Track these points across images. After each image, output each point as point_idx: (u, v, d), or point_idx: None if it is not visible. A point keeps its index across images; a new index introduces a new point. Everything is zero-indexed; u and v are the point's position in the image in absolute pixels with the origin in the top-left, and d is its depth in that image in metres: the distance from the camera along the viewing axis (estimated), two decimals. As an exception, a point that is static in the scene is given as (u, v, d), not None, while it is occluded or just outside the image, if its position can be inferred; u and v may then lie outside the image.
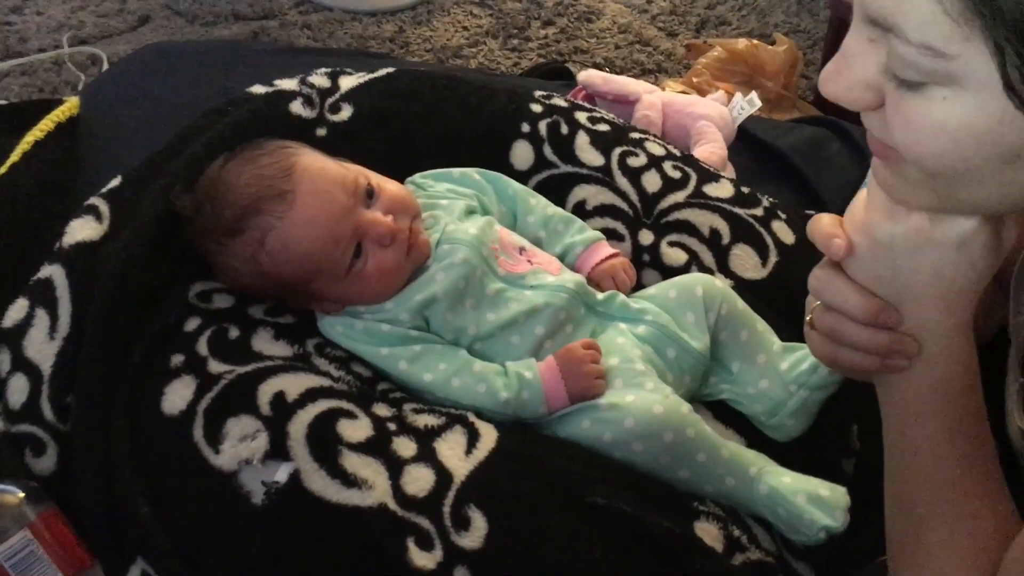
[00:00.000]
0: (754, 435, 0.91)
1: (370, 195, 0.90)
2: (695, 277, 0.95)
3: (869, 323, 0.67)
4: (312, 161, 0.90)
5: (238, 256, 0.88)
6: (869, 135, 0.60)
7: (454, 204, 0.96)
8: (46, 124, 1.22)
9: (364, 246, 0.88)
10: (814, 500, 0.81)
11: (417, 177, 1.00)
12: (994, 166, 0.54)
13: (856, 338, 0.68)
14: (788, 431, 0.91)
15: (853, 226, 0.67)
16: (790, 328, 0.95)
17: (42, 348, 0.85)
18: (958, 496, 0.66)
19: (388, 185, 0.92)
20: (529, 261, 0.93)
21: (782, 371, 0.90)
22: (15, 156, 1.14)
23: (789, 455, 0.88)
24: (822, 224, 0.68)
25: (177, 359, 0.83)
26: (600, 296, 0.93)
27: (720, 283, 0.95)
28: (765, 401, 0.91)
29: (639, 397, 0.83)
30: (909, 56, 0.52)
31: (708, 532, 0.80)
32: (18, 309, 0.88)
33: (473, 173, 1.01)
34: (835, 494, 0.82)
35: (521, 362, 0.87)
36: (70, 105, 1.27)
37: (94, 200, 0.95)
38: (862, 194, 0.67)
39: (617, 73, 1.92)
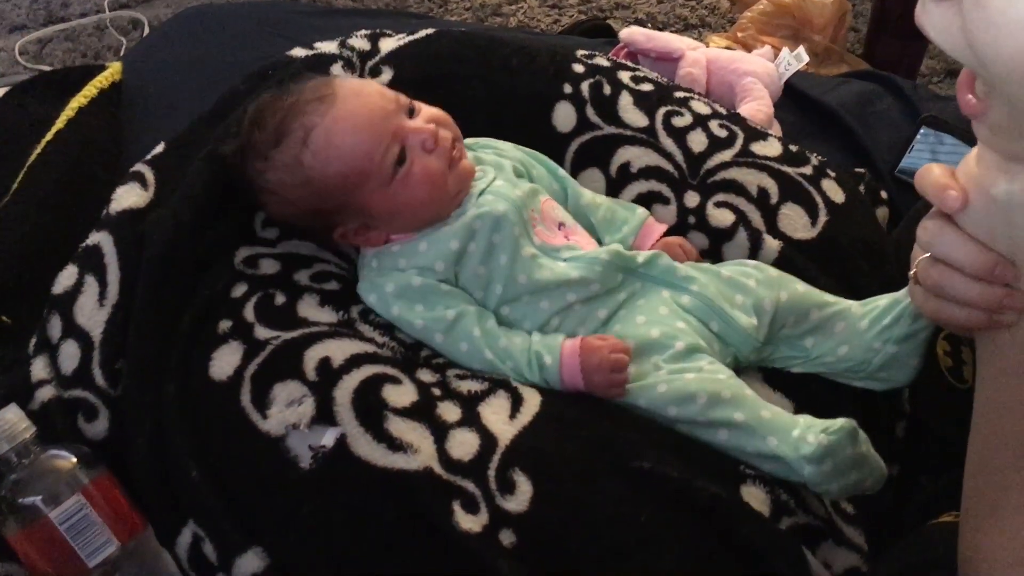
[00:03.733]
0: (802, 398, 0.90)
1: (411, 111, 0.91)
2: (749, 265, 0.92)
3: (983, 277, 0.63)
4: (351, 78, 0.94)
5: (284, 165, 0.88)
6: (958, 93, 0.57)
7: (504, 163, 0.95)
8: (90, 90, 1.23)
9: (408, 151, 0.88)
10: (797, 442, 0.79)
11: (467, 140, 0.99)
12: None
13: (965, 293, 0.65)
14: (885, 383, 0.89)
15: (967, 179, 0.63)
16: (841, 288, 0.93)
17: (92, 315, 0.86)
18: None
19: (428, 107, 0.93)
20: (566, 237, 0.92)
21: (861, 331, 0.88)
22: (60, 123, 1.16)
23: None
24: (934, 175, 0.64)
25: (225, 325, 0.84)
26: (641, 259, 0.91)
27: (775, 272, 0.92)
28: (847, 363, 0.89)
29: (672, 368, 0.83)
30: None
31: (755, 496, 0.80)
32: (68, 276, 0.89)
33: (522, 149, 1.00)
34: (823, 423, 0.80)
35: (546, 340, 0.86)
36: (113, 70, 1.28)
37: (139, 167, 0.96)
38: (975, 148, 0.65)
39: (660, 29, 1.89)
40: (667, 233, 0.98)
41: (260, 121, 0.90)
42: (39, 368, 0.86)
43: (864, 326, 0.88)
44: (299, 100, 0.88)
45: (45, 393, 0.84)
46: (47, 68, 1.89)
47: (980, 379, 0.68)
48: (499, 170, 0.94)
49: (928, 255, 0.67)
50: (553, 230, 0.92)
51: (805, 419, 0.83)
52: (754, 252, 0.96)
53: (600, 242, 0.96)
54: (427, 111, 0.92)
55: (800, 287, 0.91)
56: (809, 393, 0.90)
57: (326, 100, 0.88)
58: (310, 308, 0.86)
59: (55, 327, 0.87)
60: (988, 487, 0.66)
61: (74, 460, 0.77)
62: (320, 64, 1.03)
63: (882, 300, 0.89)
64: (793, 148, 1.06)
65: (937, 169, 0.65)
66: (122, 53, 1.90)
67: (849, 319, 0.89)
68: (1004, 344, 0.66)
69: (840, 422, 0.79)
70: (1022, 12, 0.46)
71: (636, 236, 0.96)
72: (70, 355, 0.85)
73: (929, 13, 0.52)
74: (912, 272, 0.70)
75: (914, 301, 0.71)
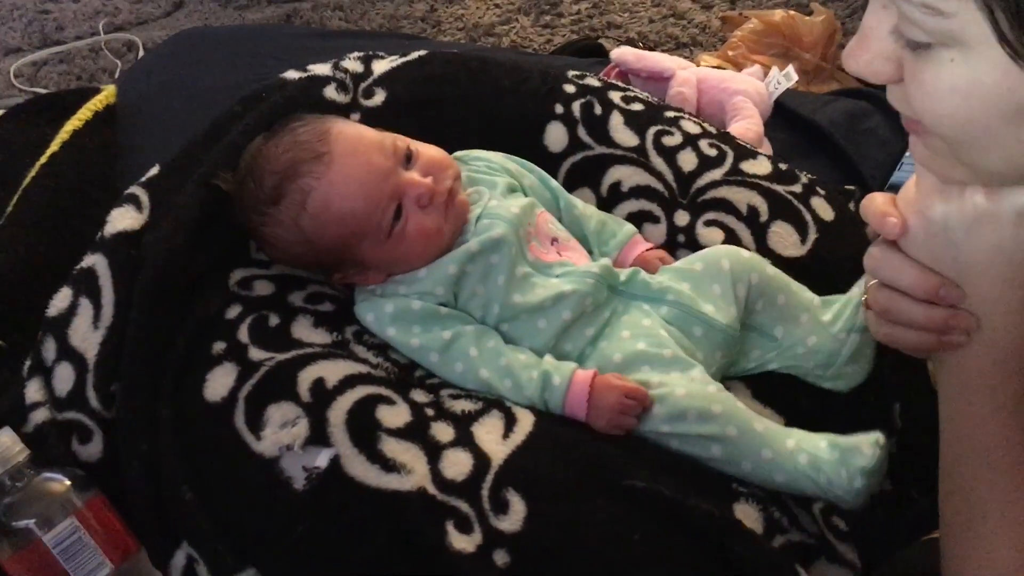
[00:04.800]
0: (792, 413, 0.90)
1: (408, 158, 0.90)
2: (720, 250, 0.93)
3: (929, 299, 0.65)
4: (347, 126, 0.91)
5: (282, 224, 0.88)
6: (901, 116, 0.60)
7: (497, 180, 0.96)
8: (84, 113, 1.23)
9: (404, 207, 0.88)
10: (845, 450, 0.80)
11: (458, 153, 1.00)
12: (1009, 125, 0.54)
13: (911, 316, 0.67)
14: (849, 380, 0.90)
15: (907, 205, 0.65)
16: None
17: (86, 337, 0.87)
18: (1016, 480, 0.64)
19: (426, 149, 0.92)
20: (559, 253, 0.93)
21: (826, 323, 0.90)
22: (55, 146, 1.16)
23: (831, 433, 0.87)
24: (875, 203, 0.67)
25: (219, 346, 0.84)
26: (623, 276, 0.92)
27: (747, 253, 0.93)
28: (817, 356, 0.90)
29: (663, 380, 0.83)
30: (913, 15, 0.52)
31: (748, 514, 0.80)
32: (62, 298, 0.89)
33: (511, 159, 1.00)
34: (864, 436, 0.81)
35: (557, 363, 0.86)
36: (107, 93, 1.28)
37: (134, 189, 0.96)
38: (914, 175, 0.66)
39: (651, 48, 1.90)
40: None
41: (256, 175, 0.89)
42: (33, 391, 0.86)
43: (828, 318, 0.90)
44: (295, 159, 0.88)
45: (39, 416, 0.84)
46: (42, 91, 1.90)
47: (942, 400, 0.69)
48: (492, 188, 0.94)
49: (876, 281, 0.69)
50: (547, 245, 0.93)
51: (797, 431, 0.84)
52: (744, 270, 0.97)
53: (591, 253, 0.97)
54: (425, 156, 0.91)
55: (770, 270, 0.92)
56: (799, 408, 0.90)
57: (323, 160, 0.87)
58: (304, 329, 0.86)
59: (49, 349, 0.87)
60: (963, 506, 0.67)
61: (68, 483, 0.77)
62: (313, 86, 1.03)
63: (838, 298, 0.91)
64: (783, 166, 1.06)
65: (879, 197, 0.68)
66: (117, 76, 1.91)
67: (812, 311, 0.91)
68: (961, 365, 0.67)
69: (877, 435, 0.80)
70: (947, 84, 0.53)
71: (620, 251, 0.97)
72: (64, 377, 0.86)
73: (889, 92, 0.60)
74: (863, 298, 0.72)
75: (869, 327, 0.72)
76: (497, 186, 0.95)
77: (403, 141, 0.91)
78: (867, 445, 0.80)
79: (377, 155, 0.88)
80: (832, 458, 0.80)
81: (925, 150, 0.61)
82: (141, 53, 1.96)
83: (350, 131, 0.91)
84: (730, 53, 1.69)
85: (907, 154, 1.24)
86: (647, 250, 0.97)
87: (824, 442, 0.82)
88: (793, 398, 0.91)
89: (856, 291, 0.88)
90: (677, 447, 0.83)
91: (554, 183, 1.00)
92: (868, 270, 0.69)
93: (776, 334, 0.92)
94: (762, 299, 0.91)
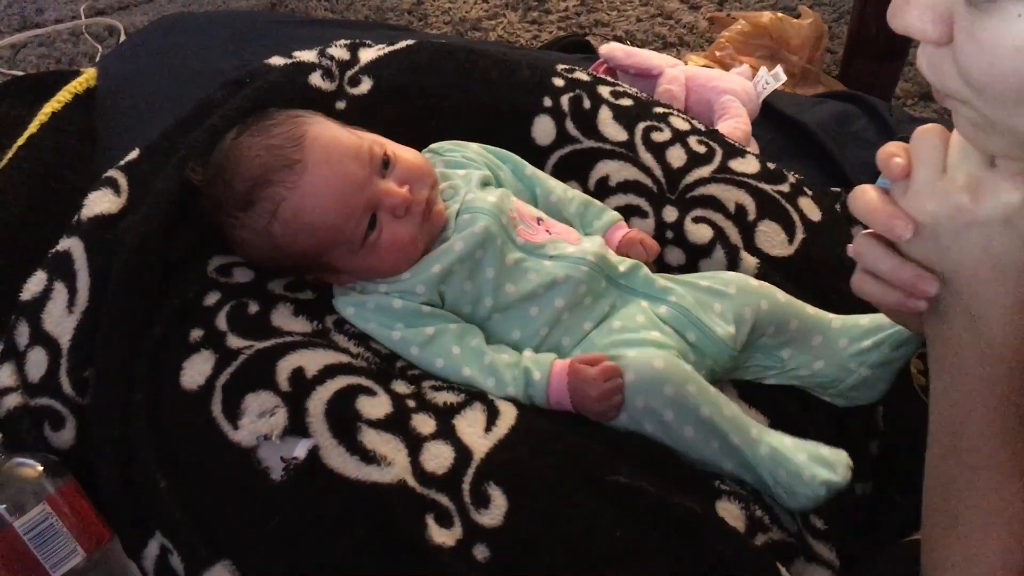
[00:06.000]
0: (777, 414, 0.90)
1: (386, 164, 0.88)
2: (729, 275, 0.93)
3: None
4: (323, 130, 0.88)
5: (252, 229, 0.87)
6: (933, 88, 0.57)
7: (471, 174, 0.95)
8: (64, 95, 1.21)
9: (378, 217, 0.87)
10: (815, 458, 0.80)
11: (433, 145, 0.99)
12: None
13: (878, 264, 0.67)
14: (850, 402, 0.90)
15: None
16: (818, 306, 0.93)
17: (60, 321, 0.85)
18: (999, 479, 0.64)
19: (404, 154, 0.90)
20: (547, 231, 0.92)
21: (839, 349, 0.89)
22: (33, 127, 1.14)
23: (816, 435, 0.87)
24: (871, 200, 0.66)
25: (196, 334, 0.83)
26: (622, 268, 0.91)
27: (756, 282, 0.92)
28: (820, 379, 0.90)
29: (640, 352, 0.83)
30: None
31: (730, 512, 0.79)
32: (36, 282, 0.87)
33: (488, 150, 1.00)
34: (836, 454, 0.81)
35: (536, 357, 0.85)
36: (87, 76, 1.27)
37: (112, 172, 0.95)
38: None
39: (638, 47, 1.90)
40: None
41: (227, 178, 0.87)
42: (5, 375, 0.84)
43: (843, 344, 0.89)
44: (267, 166, 0.85)
45: (11, 401, 0.83)
46: (20, 73, 1.87)
47: (933, 395, 0.69)
48: (467, 182, 0.93)
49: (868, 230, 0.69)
50: (534, 226, 0.92)
51: (765, 428, 0.83)
52: (731, 268, 0.96)
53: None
54: (403, 163, 0.89)
55: (781, 296, 0.91)
56: (784, 410, 0.90)
57: (295, 169, 0.85)
58: (284, 317, 0.85)
59: (22, 334, 0.85)
60: (946, 503, 0.67)
61: (40, 468, 0.76)
62: (299, 73, 1.02)
63: (863, 320, 0.89)
64: (771, 165, 1.06)
65: (871, 191, 0.67)
66: (97, 60, 1.88)
67: (828, 334, 0.90)
68: (953, 362, 0.67)
69: (847, 457, 0.80)
70: (1012, 41, 0.49)
71: (604, 234, 0.96)
72: (37, 362, 0.84)
73: (925, 55, 0.55)
74: (850, 245, 0.71)
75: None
76: (472, 179, 0.94)
77: (380, 146, 0.89)
78: (841, 466, 0.80)
79: (352, 164, 0.86)
80: (798, 460, 0.80)
81: (968, 124, 0.58)
82: (123, 38, 1.94)
83: (326, 136, 0.87)
84: (717, 54, 1.69)
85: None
86: (628, 232, 0.97)
87: (789, 440, 0.82)
88: (778, 400, 0.91)
89: (886, 320, 0.86)
90: (652, 431, 0.82)
91: (529, 171, 0.99)
92: (850, 208, 0.70)
93: (782, 355, 0.91)
94: (773, 325, 0.90)
